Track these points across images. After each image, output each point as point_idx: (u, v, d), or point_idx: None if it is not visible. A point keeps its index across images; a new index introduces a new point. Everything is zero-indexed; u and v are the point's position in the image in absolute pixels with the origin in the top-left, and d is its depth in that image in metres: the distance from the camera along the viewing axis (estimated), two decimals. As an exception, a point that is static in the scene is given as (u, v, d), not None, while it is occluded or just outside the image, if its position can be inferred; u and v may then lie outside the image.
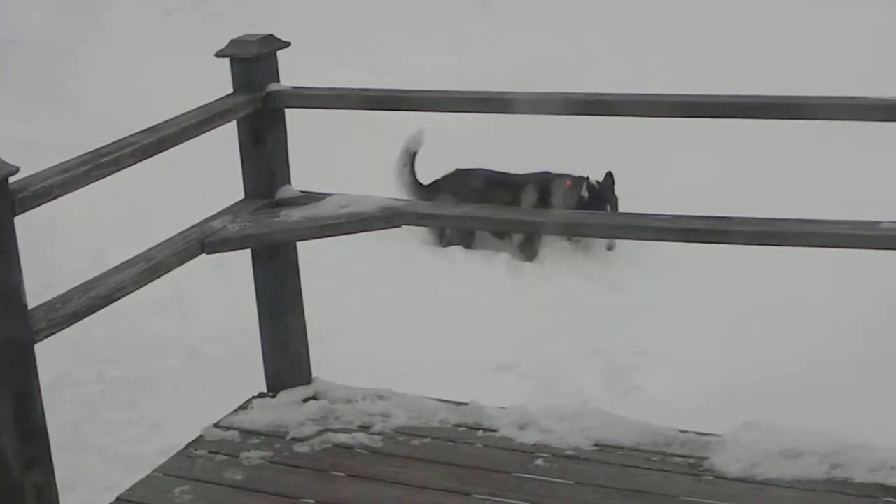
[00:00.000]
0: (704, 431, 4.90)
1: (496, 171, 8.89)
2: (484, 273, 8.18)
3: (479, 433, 5.05)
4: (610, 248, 8.35)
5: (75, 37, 13.58)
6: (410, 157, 8.83)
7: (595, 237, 5.37)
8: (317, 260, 7.22)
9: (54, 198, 4.32)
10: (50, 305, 4.33)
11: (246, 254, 5.36)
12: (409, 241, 8.56)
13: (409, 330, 7.36)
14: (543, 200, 8.45)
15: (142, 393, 6.83)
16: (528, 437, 4.97)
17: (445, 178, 8.86)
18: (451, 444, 4.99)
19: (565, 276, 8.14)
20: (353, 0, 13.91)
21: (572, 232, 5.15)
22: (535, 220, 4.95)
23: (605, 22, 12.23)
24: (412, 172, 8.82)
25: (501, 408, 5.20)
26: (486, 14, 12.82)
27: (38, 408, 4.26)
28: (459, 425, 5.13)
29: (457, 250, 8.57)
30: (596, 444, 4.90)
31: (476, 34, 12.38)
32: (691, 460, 4.74)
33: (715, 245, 4.88)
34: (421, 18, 13.17)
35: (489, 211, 5.04)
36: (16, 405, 4.16)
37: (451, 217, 5.08)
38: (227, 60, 5.30)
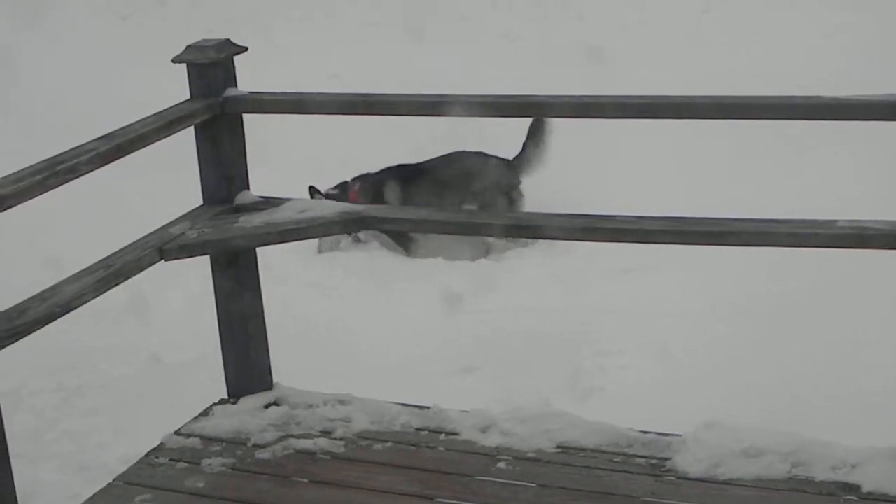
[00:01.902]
0: (666, 432, 4.91)
1: (398, 167, 9.03)
2: (443, 274, 8.18)
3: (442, 437, 5.05)
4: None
5: (23, 41, 13.49)
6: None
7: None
8: (276, 265, 7.22)
9: (7, 207, 4.29)
10: (7, 315, 4.29)
11: (205, 260, 5.34)
12: (370, 243, 8.56)
13: (370, 334, 7.35)
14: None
15: (103, 401, 6.79)
16: (491, 440, 4.97)
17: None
18: (413, 448, 4.99)
19: (525, 276, 8.14)
20: (309, 4, 13.89)
21: (526, 234, 5.14)
22: (494, 223, 4.95)
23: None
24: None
25: (463, 411, 5.20)
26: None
27: (-3, 418, 4.23)
28: (421, 429, 5.12)
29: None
30: (558, 447, 4.90)
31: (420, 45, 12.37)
32: (653, 461, 4.75)
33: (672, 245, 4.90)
34: (375, 24, 13.18)
35: (449, 214, 5.03)
36: (-27, 416, 4.13)
37: (410, 220, 5.08)
38: (184, 66, 5.28)
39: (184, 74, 5.29)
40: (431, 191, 8.77)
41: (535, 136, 8.91)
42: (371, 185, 8.83)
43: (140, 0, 14.58)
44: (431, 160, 9.12)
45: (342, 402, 5.33)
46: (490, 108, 5.09)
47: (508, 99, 5.08)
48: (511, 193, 8.82)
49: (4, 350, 4.23)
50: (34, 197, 4.38)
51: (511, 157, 8.99)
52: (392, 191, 8.89)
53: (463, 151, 9.09)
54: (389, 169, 9.09)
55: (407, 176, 9.02)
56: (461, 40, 12.90)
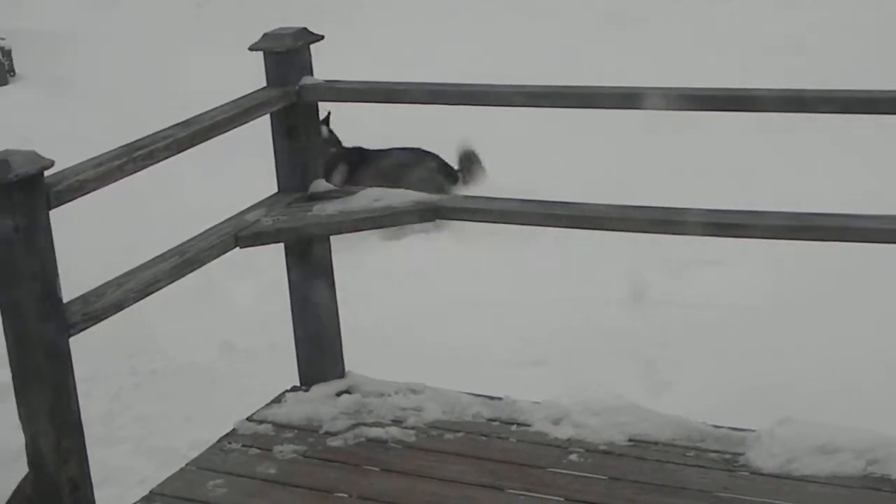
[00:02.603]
0: (739, 427, 4.87)
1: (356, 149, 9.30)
2: (510, 265, 8.16)
3: (513, 428, 5.04)
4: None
5: (96, 25, 13.60)
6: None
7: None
8: (348, 253, 7.22)
9: (88, 192, 4.34)
10: (84, 299, 4.34)
11: (280, 247, 5.36)
12: (443, 230, 8.53)
13: (441, 323, 7.35)
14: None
15: (175, 386, 6.84)
16: (562, 432, 4.95)
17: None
18: (484, 438, 4.98)
19: (593, 269, 8.11)
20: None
21: (595, 226, 5.11)
22: (581, 215, 4.92)
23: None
24: None
25: (535, 402, 5.19)
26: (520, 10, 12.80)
27: (74, 402, 4.28)
28: (493, 420, 5.12)
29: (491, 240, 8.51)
30: (630, 440, 4.88)
31: (507, 29, 12.36)
32: (726, 456, 4.71)
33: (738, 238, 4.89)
34: (451, 12, 13.18)
35: (531, 206, 5.00)
36: (52, 399, 4.18)
37: (488, 211, 5.06)
38: (260, 53, 5.30)
39: (257, 62, 5.31)
40: (370, 179, 8.76)
41: (467, 167, 9.25)
42: (329, 159, 8.95)
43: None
44: (377, 150, 9.37)
45: (414, 392, 5.33)
46: (553, 99, 5.07)
47: (566, 90, 5.05)
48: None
49: (80, 334, 4.27)
50: (113, 182, 4.42)
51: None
52: (339, 173, 9.11)
53: (405, 147, 9.33)
54: (349, 150, 9.37)
55: (354, 160, 9.30)
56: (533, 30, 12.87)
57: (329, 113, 9.08)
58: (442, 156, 9.30)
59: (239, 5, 14.11)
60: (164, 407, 6.62)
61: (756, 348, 6.67)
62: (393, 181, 8.46)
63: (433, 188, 8.57)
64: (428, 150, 9.31)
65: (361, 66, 9.84)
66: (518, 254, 8.29)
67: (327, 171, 8.76)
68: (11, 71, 13.01)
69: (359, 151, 9.41)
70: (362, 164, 9.24)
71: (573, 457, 4.78)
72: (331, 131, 9.22)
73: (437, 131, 9.17)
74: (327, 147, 8.87)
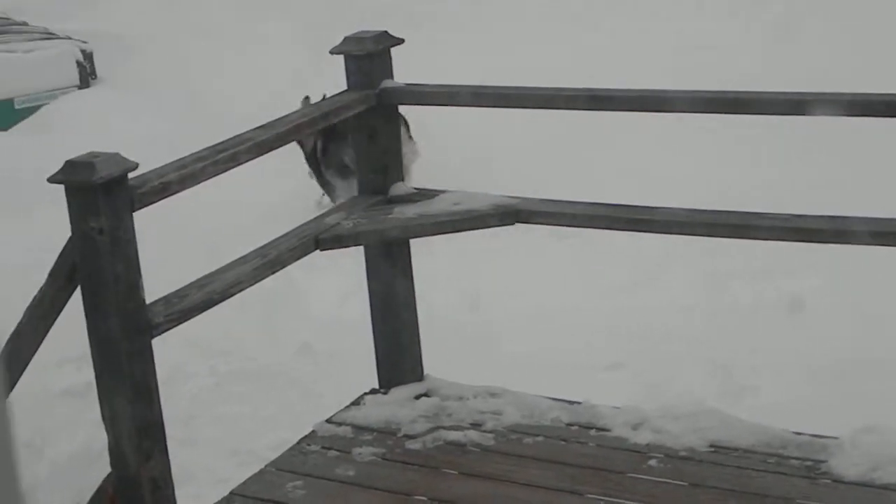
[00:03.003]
0: (821, 434, 4.82)
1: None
2: (580, 269, 8.14)
3: (592, 432, 5.02)
4: None
5: (182, 30, 13.71)
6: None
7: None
8: (425, 256, 7.23)
9: (172, 193, 4.38)
10: (167, 300, 4.37)
11: (359, 249, 5.38)
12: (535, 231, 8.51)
13: (515, 326, 7.34)
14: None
15: (254, 387, 6.88)
16: (642, 437, 4.92)
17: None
18: (563, 443, 4.97)
19: (666, 273, 8.07)
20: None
21: (673, 230, 5.08)
22: (659, 220, 4.90)
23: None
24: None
25: (615, 407, 5.16)
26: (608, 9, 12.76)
27: (155, 401, 4.31)
28: (572, 424, 5.10)
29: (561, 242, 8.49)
30: (711, 446, 4.84)
31: (589, 31, 12.32)
32: (808, 463, 4.67)
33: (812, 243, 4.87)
34: (531, 14, 13.16)
35: (608, 209, 4.99)
36: (134, 399, 4.22)
37: (567, 215, 5.05)
38: (339, 57, 5.32)
39: (334, 65, 5.32)
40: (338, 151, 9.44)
41: None
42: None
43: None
44: None
45: (493, 395, 5.33)
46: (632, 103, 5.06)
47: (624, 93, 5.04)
48: None
49: (162, 335, 4.30)
50: (196, 184, 4.46)
51: None
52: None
53: None
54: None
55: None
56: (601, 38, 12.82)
57: (325, 95, 9.26)
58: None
59: (317, 8, 14.17)
60: (243, 408, 6.66)
61: (838, 355, 6.60)
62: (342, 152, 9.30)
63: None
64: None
65: (436, 70, 9.86)
66: (593, 257, 8.27)
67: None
68: (93, 73, 13.14)
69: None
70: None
71: (652, 462, 4.75)
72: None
73: (510, 134, 9.19)
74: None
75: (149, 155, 4.82)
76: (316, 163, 9.69)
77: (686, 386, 6.22)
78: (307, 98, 9.18)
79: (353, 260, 6.11)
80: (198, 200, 5.83)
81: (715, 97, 5.00)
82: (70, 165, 4.10)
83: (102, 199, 4.06)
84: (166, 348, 4.74)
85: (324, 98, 9.03)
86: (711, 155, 9.44)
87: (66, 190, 4.13)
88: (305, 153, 9.72)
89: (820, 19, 11.73)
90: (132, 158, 4.17)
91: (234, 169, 4.66)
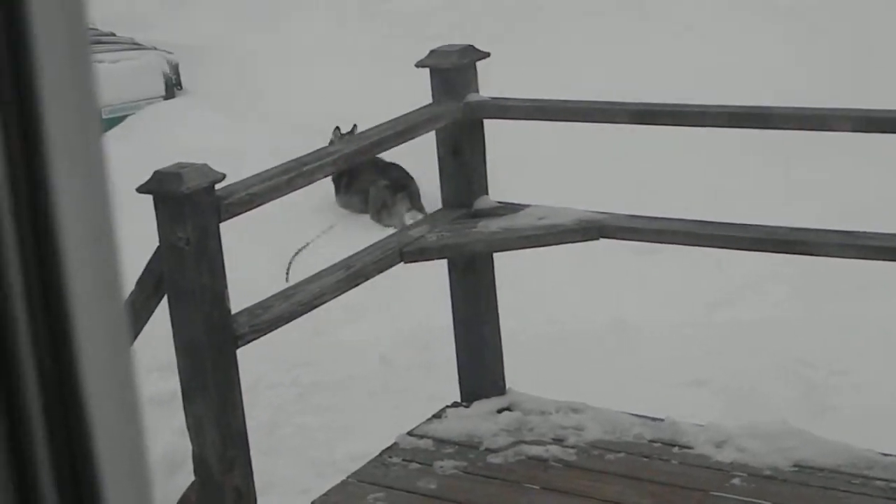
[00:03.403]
0: (908, 455, 4.77)
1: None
2: (662, 284, 8.09)
3: (675, 450, 4.99)
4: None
5: (269, 43, 13.80)
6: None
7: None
8: (508, 269, 7.22)
9: (257, 205, 4.41)
10: (251, 311, 4.40)
11: (443, 262, 5.38)
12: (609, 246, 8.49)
13: (598, 342, 7.31)
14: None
15: (335, 398, 6.90)
16: (725, 456, 4.89)
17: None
18: (645, 459, 4.94)
19: (752, 289, 8.00)
20: (539, 12, 13.90)
21: (758, 247, 5.03)
22: (746, 236, 4.86)
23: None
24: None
25: (698, 425, 5.13)
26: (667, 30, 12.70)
27: (239, 411, 4.34)
28: (654, 441, 5.07)
29: (641, 260, 8.47)
30: (795, 465, 4.80)
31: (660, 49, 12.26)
32: (894, 484, 4.61)
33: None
34: (606, 32, 13.12)
35: (693, 226, 4.96)
36: (218, 408, 4.24)
37: (651, 231, 5.03)
38: (409, 69, 5.34)
39: (417, 78, 5.34)
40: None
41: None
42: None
43: (373, 6, 14.77)
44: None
45: (575, 411, 5.31)
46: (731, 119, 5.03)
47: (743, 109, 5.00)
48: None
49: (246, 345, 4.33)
50: (281, 196, 4.49)
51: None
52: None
53: (390, 163, 9.76)
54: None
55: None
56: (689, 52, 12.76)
57: (355, 125, 9.58)
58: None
59: (401, 21, 14.21)
60: (324, 419, 6.68)
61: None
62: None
63: (379, 202, 9.59)
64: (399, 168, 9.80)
65: (519, 83, 9.86)
66: (677, 273, 8.23)
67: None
68: (179, 84, 13.26)
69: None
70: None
71: (736, 481, 4.71)
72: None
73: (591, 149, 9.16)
74: None
75: (233, 166, 4.85)
76: (336, 185, 9.97)
77: (770, 404, 6.17)
78: (337, 129, 9.80)
79: (435, 272, 6.12)
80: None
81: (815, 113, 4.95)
82: (158, 176, 4.14)
83: (189, 209, 4.10)
84: (249, 358, 4.77)
85: (353, 129, 9.46)
86: (800, 172, 9.35)
87: (154, 200, 4.16)
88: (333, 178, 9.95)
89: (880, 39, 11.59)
90: (217, 169, 4.20)
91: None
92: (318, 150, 4.78)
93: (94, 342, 0.86)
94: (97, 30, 14.38)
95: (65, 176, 0.84)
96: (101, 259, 0.87)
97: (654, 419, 5.22)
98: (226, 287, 4.22)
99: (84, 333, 0.85)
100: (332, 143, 9.61)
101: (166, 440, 6.20)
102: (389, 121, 5.16)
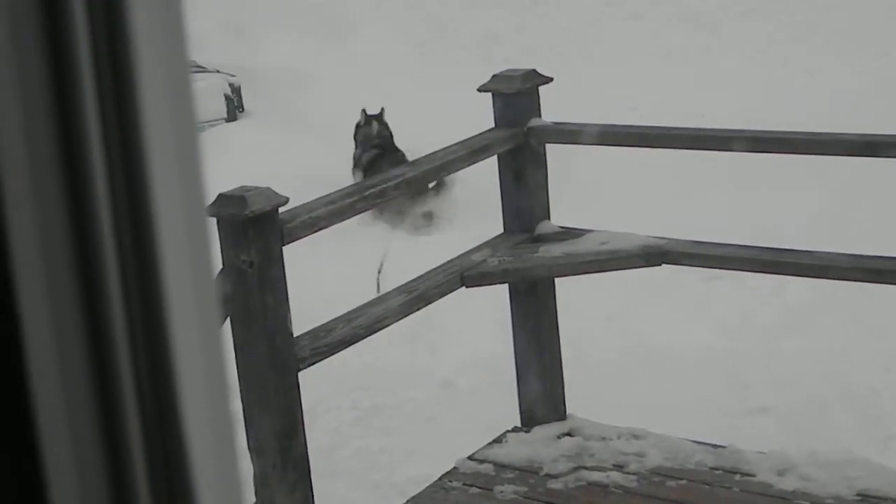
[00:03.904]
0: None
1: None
2: (723, 310, 8.04)
3: (737, 477, 4.95)
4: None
5: (331, 67, 13.87)
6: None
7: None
8: (568, 294, 7.21)
9: (320, 229, 4.42)
10: (314, 334, 4.41)
11: (502, 286, 5.37)
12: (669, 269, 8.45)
13: (659, 367, 7.28)
14: None
15: (395, 422, 6.90)
16: (788, 484, 4.85)
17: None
18: (707, 487, 4.91)
19: (814, 318, 7.94)
20: (602, 35, 13.91)
21: (823, 274, 4.98)
22: (808, 264, 4.83)
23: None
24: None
25: (760, 453, 5.09)
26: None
27: (300, 434, 4.35)
28: (716, 468, 5.04)
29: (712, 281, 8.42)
30: (858, 494, 4.75)
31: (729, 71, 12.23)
32: (960, 515, 4.57)
33: None
34: (676, 52, 13.11)
35: (757, 252, 4.93)
36: (280, 431, 4.26)
37: (715, 257, 5.01)
38: (474, 92, 5.35)
39: (482, 101, 5.34)
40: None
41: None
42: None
43: (436, 28, 14.82)
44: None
45: (636, 437, 5.28)
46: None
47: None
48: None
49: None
50: (344, 219, 4.50)
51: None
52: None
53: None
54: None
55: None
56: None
57: (383, 109, 10.45)
58: None
59: (470, 45, 14.26)
60: (383, 442, 6.68)
61: None
62: None
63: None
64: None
65: (581, 107, 9.86)
66: (742, 299, 8.18)
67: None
68: (240, 107, 13.34)
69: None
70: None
71: (799, 510, 4.68)
72: (385, 126, 10.54)
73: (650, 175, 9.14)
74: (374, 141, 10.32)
75: (295, 187, 4.87)
76: (360, 170, 10.22)
77: (834, 432, 6.12)
78: (364, 111, 10.36)
79: (495, 296, 6.11)
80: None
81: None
82: (222, 199, 4.16)
83: (252, 233, 4.12)
84: (309, 380, 4.78)
85: (381, 113, 10.35)
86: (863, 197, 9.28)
87: (218, 223, 4.18)
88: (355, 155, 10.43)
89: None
90: (279, 191, 4.22)
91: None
92: (379, 175, 4.79)
93: (190, 350, 0.87)
94: (161, 53, 14.47)
95: (163, 186, 0.85)
96: (198, 269, 0.88)
97: (715, 446, 5.19)
98: (288, 310, 4.23)
99: (182, 343, 0.86)
100: (358, 125, 10.45)
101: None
102: (452, 145, 5.17)
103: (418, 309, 4.77)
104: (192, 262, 0.88)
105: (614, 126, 5.39)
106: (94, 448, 0.83)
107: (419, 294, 4.75)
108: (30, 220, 0.81)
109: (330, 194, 4.54)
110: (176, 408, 0.86)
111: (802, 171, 8.70)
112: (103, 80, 0.82)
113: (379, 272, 8.73)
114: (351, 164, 10.44)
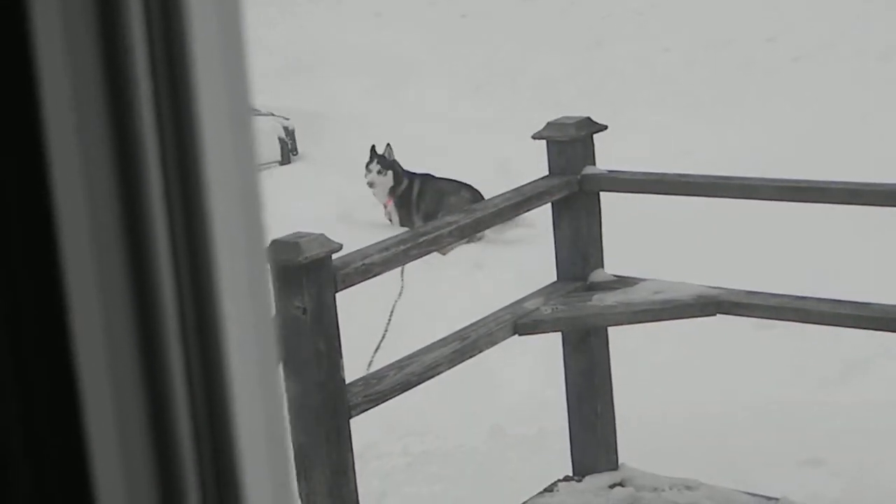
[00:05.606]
0: None
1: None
2: (777, 360, 7.98)
3: (790, 530, 4.91)
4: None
5: (390, 112, 13.93)
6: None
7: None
8: (622, 342, 7.18)
9: (374, 275, 4.43)
10: (366, 381, 4.41)
11: (554, 333, 5.36)
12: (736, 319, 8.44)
13: (713, 418, 7.22)
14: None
15: (446, 468, 6.87)
16: (840, 537, 4.80)
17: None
18: (759, 539, 4.86)
19: (874, 369, 7.86)
20: (655, 82, 13.91)
21: (881, 326, 4.93)
22: (866, 315, 4.78)
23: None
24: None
25: (813, 505, 5.05)
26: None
27: (352, 480, 4.35)
28: (769, 520, 5.00)
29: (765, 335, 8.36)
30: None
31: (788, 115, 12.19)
32: None
33: None
34: (729, 97, 13.08)
35: (811, 303, 4.90)
36: (331, 477, 4.25)
37: (770, 308, 4.97)
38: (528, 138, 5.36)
39: (528, 147, 5.34)
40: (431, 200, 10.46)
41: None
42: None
43: (493, 75, 14.88)
44: (426, 175, 10.77)
45: (689, 488, 5.24)
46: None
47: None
48: None
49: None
50: (398, 266, 4.51)
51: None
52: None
53: (450, 178, 10.64)
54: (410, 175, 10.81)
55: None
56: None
57: (388, 145, 10.89)
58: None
59: (526, 89, 14.30)
60: (435, 489, 6.65)
61: None
62: (435, 203, 10.31)
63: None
64: (467, 183, 10.45)
65: (634, 151, 9.86)
66: (796, 349, 8.12)
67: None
68: (294, 150, 13.40)
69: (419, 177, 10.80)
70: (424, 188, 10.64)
71: (852, 565, 4.62)
72: (394, 161, 10.88)
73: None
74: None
75: (349, 232, 4.88)
76: (407, 202, 10.56)
77: (889, 486, 6.04)
78: (373, 147, 10.77)
79: (547, 343, 6.09)
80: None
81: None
82: (275, 244, 4.17)
83: (306, 279, 4.12)
84: (360, 425, 4.77)
85: (387, 149, 10.72)
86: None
87: (272, 269, 4.19)
88: (396, 191, 10.65)
89: None
90: (331, 236, 4.22)
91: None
92: (435, 223, 4.80)
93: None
94: (215, 96, 14.58)
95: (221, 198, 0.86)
96: (258, 311, 0.89)
97: (768, 498, 5.14)
98: (341, 357, 4.23)
99: (236, 356, 0.86)
100: (367, 165, 10.81)
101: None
102: (507, 192, 5.18)
103: (470, 357, 4.76)
104: (252, 305, 0.88)
105: (666, 174, 5.37)
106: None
107: (471, 342, 4.75)
108: (90, 269, 0.81)
109: (384, 240, 4.55)
110: (233, 450, 0.86)
111: (864, 219, 8.63)
112: (165, 124, 0.83)
113: (392, 311, 8.74)
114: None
